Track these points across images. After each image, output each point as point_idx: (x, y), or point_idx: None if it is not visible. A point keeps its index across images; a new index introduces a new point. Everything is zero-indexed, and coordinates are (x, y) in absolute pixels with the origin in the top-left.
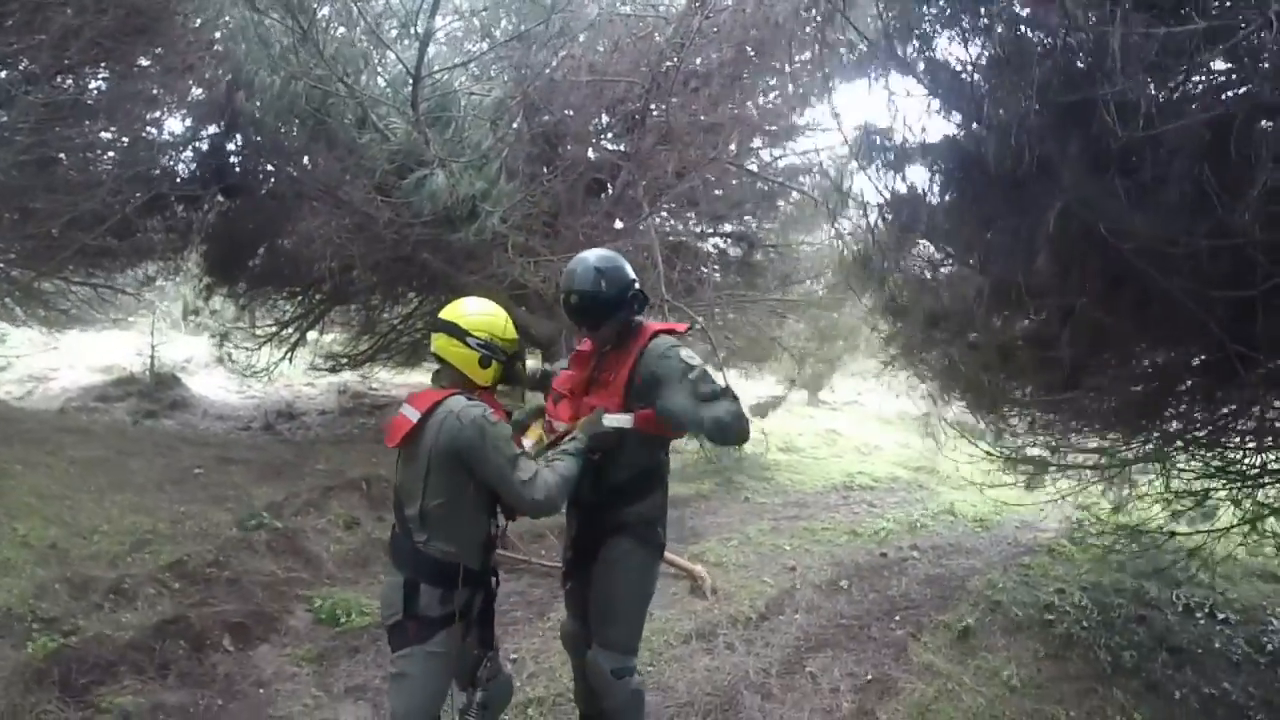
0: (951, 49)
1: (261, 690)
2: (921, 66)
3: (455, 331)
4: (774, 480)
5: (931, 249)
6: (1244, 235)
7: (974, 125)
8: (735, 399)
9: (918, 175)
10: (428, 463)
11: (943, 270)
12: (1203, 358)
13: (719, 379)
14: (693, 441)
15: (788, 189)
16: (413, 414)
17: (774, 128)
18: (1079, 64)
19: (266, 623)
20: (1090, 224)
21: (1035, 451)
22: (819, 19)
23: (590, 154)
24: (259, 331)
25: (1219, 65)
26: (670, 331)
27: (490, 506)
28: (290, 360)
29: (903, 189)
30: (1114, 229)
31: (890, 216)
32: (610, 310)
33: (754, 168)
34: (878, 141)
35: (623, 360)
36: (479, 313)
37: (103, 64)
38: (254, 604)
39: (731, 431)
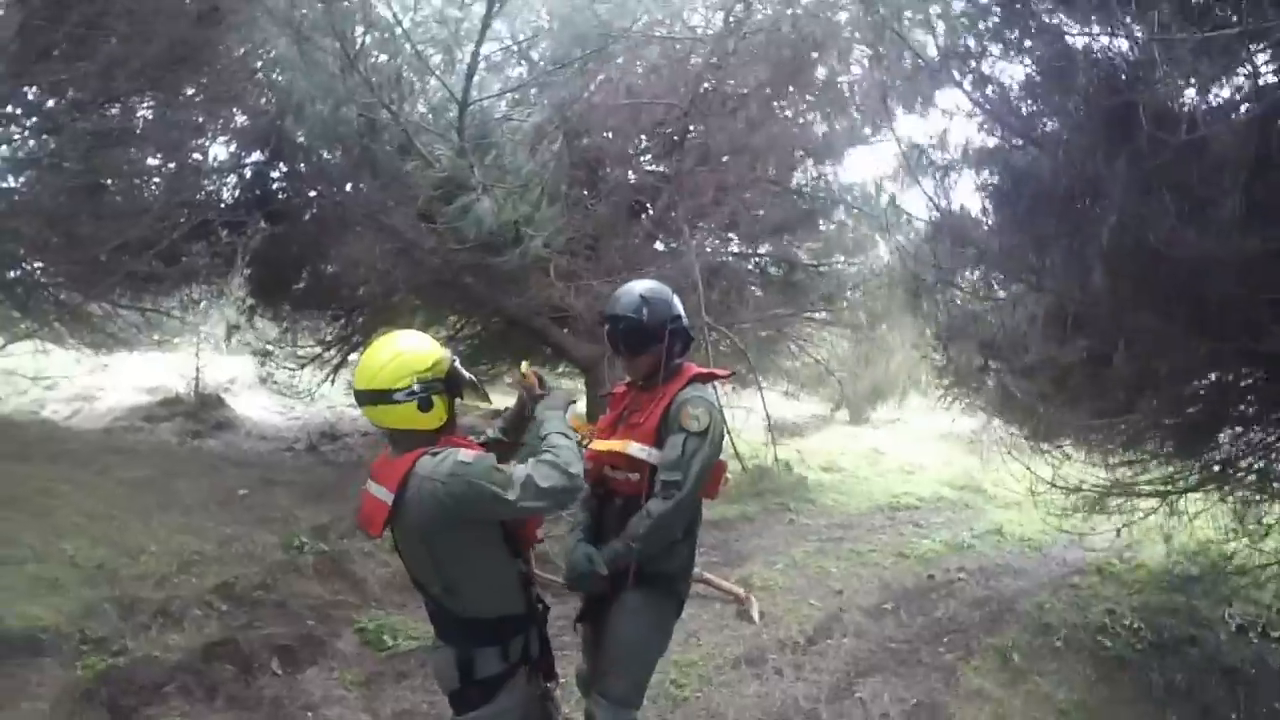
0: (1000, 65)
1: (310, 714)
2: (971, 84)
3: (378, 398)
4: (818, 501)
5: (981, 272)
6: None
7: (1022, 142)
8: (673, 503)
9: (967, 194)
10: (425, 542)
11: (996, 294)
12: (1260, 374)
13: (694, 465)
14: (734, 461)
15: (831, 208)
16: (384, 494)
17: (811, 146)
18: (1122, 72)
19: (314, 646)
20: (1142, 238)
21: (1092, 479)
22: (861, 38)
23: (630, 176)
24: (301, 353)
25: (1266, 73)
26: (711, 377)
27: (512, 545)
28: (333, 381)
29: (952, 207)
30: (1167, 242)
31: (941, 235)
32: (649, 340)
33: (796, 185)
34: (927, 159)
35: (656, 402)
36: (388, 362)
37: (149, 92)
38: (301, 627)
39: (664, 543)
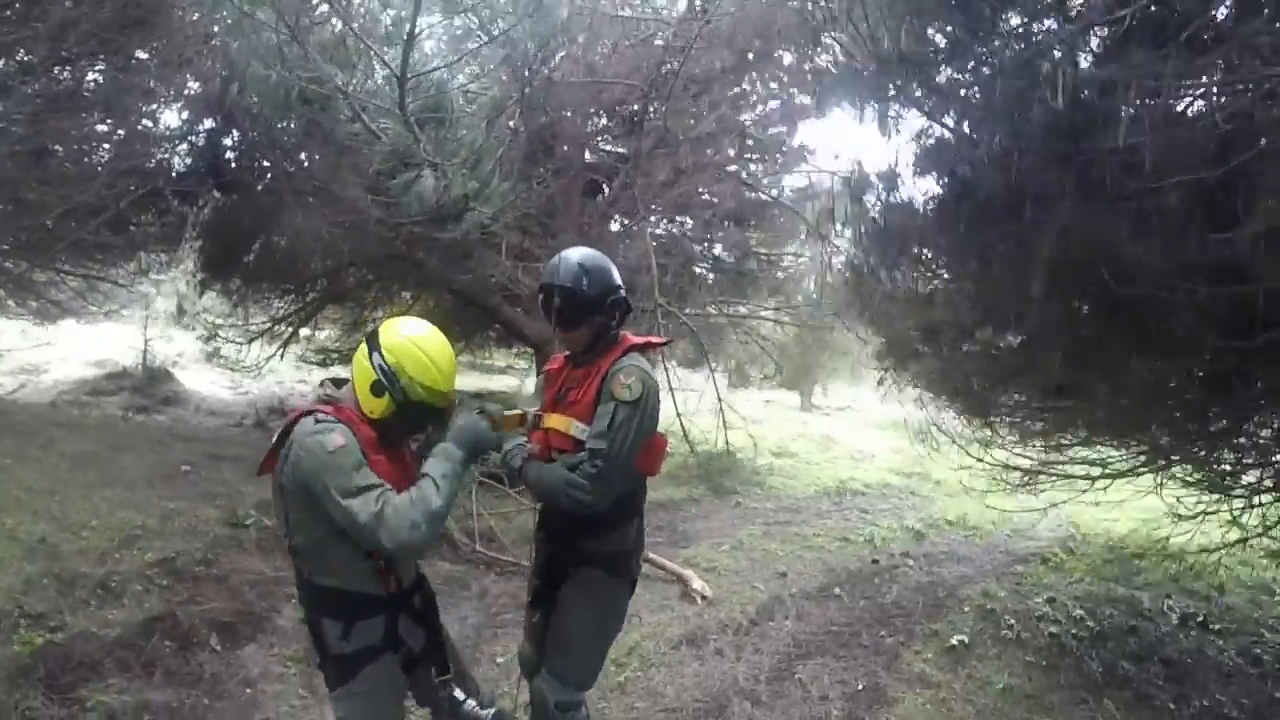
0: (950, 73)
1: (248, 690)
2: (920, 90)
3: (371, 341)
4: (767, 485)
5: (926, 257)
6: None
7: (969, 148)
8: (598, 473)
9: (912, 195)
10: (282, 495)
11: (935, 284)
12: (1195, 372)
13: (625, 436)
14: (683, 444)
15: (782, 201)
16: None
17: (770, 136)
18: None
19: (254, 622)
20: (1084, 249)
21: (1026, 461)
22: (820, 31)
23: (587, 155)
24: (252, 327)
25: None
26: (647, 346)
27: None
28: (282, 357)
29: (896, 212)
30: (1108, 255)
31: (883, 238)
32: (589, 311)
33: (750, 178)
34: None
35: (592, 377)
36: (406, 337)
37: (100, 56)
38: (242, 603)
39: (551, 498)
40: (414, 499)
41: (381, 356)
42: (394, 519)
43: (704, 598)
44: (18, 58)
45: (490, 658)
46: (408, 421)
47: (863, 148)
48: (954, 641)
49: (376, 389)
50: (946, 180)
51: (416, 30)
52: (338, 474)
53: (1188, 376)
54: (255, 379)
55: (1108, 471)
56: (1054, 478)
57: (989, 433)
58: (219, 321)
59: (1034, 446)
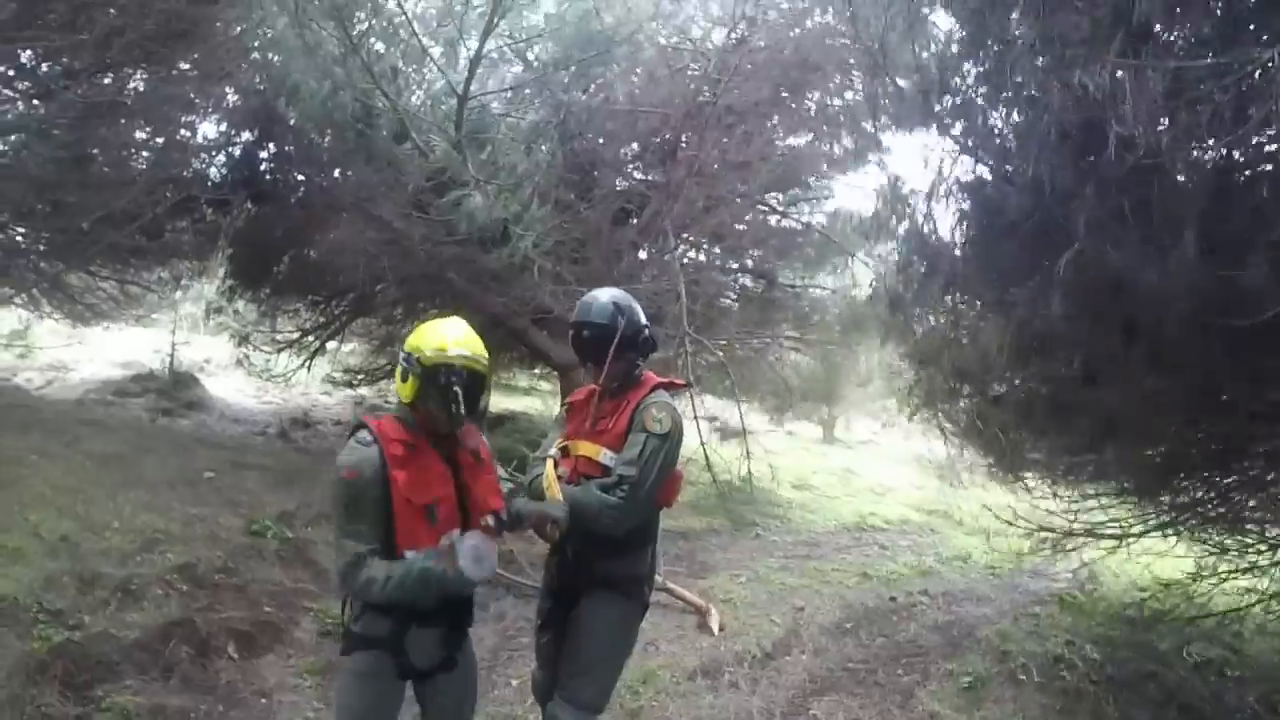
0: (982, 104)
1: (264, 700)
2: (950, 117)
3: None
4: (786, 518)
5: (956, 298)
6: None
7: (994, 176)
8: (627, 499)
9: (942, 218)
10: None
11: (966, 320)
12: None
13: (653, 466)
14: (705, 473)
15: (812, 230)
16: None
17: (802, 168)
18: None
19: (272, 632)
20: (1103, 268)
21: (1059, 521)
22: (853, 64)
23: (619, 182)
24: (279, 337)
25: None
26: (670, 386)
27: (390, 545)
28: (309, 368)
29: (928, 232)
30: (1127, 277)
31: (916, 259)
32: (622, 348)
33: (784, 205)
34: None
35: (621, 409)
36: (419, 329)
37: (142, 65)
38: (260, 612)
39: (589, 519)
40: (388, 574)
41: (403, 350)
42: (360, 575)
43: (720, 629)
44: (62, 63)
45: (506, 680)
46: (439, 395)
47: (896, 176)
48: (969, 682)
49: (403, 375)
50: (973, 206)
51: (467, 52)
52: (339, 500)
53: (1209, 430)
54: (281, 389)
55: (1138, 530)
56: (1086, 538)
57: (1021, 489)
58: (248, 330)
59: (1065, 499)
